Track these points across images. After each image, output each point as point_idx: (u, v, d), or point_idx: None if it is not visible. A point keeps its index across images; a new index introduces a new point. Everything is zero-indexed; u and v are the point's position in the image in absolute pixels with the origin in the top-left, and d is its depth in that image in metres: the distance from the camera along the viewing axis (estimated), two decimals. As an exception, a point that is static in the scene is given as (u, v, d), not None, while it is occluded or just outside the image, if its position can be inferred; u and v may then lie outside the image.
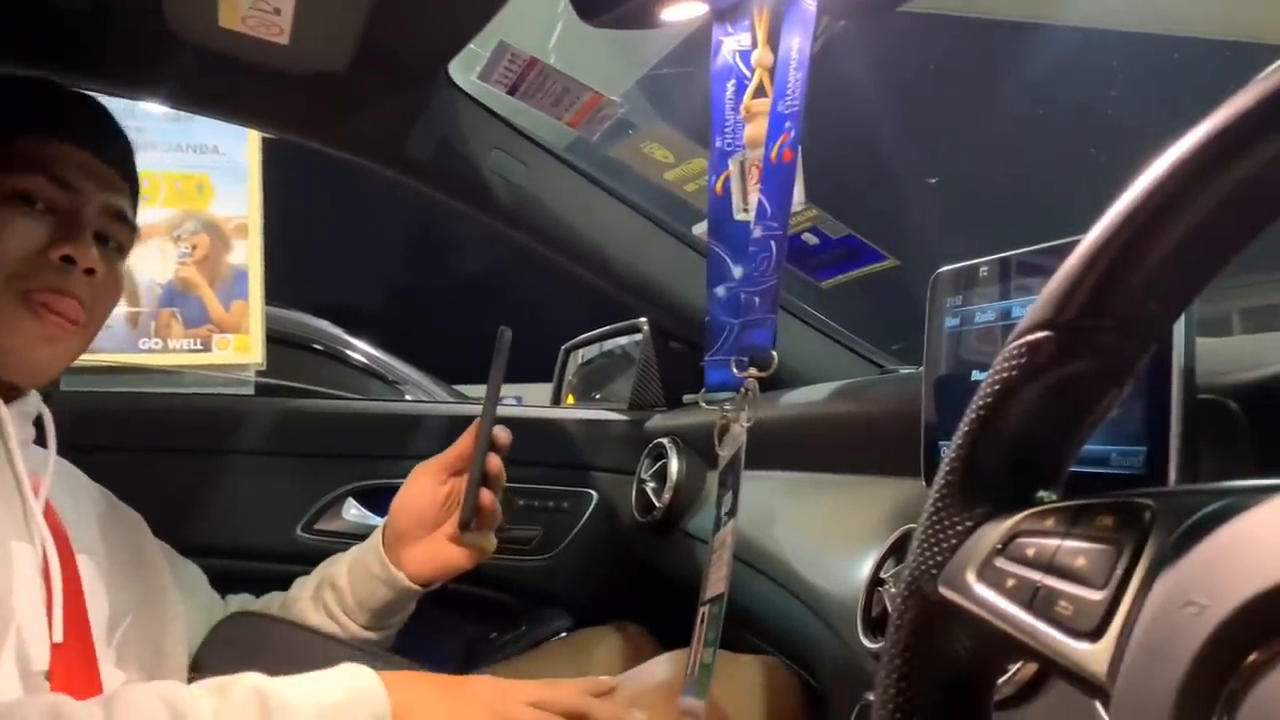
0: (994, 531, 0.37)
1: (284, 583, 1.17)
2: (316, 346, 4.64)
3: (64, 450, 0.91)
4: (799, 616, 0.95)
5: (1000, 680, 0.57)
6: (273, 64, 1.10)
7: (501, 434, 1.02)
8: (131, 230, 0.93)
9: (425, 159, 1.26)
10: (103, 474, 1.01)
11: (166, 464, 1.41)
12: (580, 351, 2.05)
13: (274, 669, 0.80)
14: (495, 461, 1.01)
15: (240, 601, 1.13)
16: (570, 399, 2.01)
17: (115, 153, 0.91)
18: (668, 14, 0.93)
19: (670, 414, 1.42)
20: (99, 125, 0.92)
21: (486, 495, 1.01)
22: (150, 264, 2.85)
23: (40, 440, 0.90)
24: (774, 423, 1.24)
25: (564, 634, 1.42)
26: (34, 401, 0.88)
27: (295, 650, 0.94)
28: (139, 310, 2.85)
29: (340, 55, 1.09)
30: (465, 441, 1.06)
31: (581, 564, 1.46)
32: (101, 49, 1.11)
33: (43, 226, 0.84)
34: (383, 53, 1.10)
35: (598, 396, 1.97)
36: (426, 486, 1.05)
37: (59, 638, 0.78)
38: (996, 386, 0.37)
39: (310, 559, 1.34)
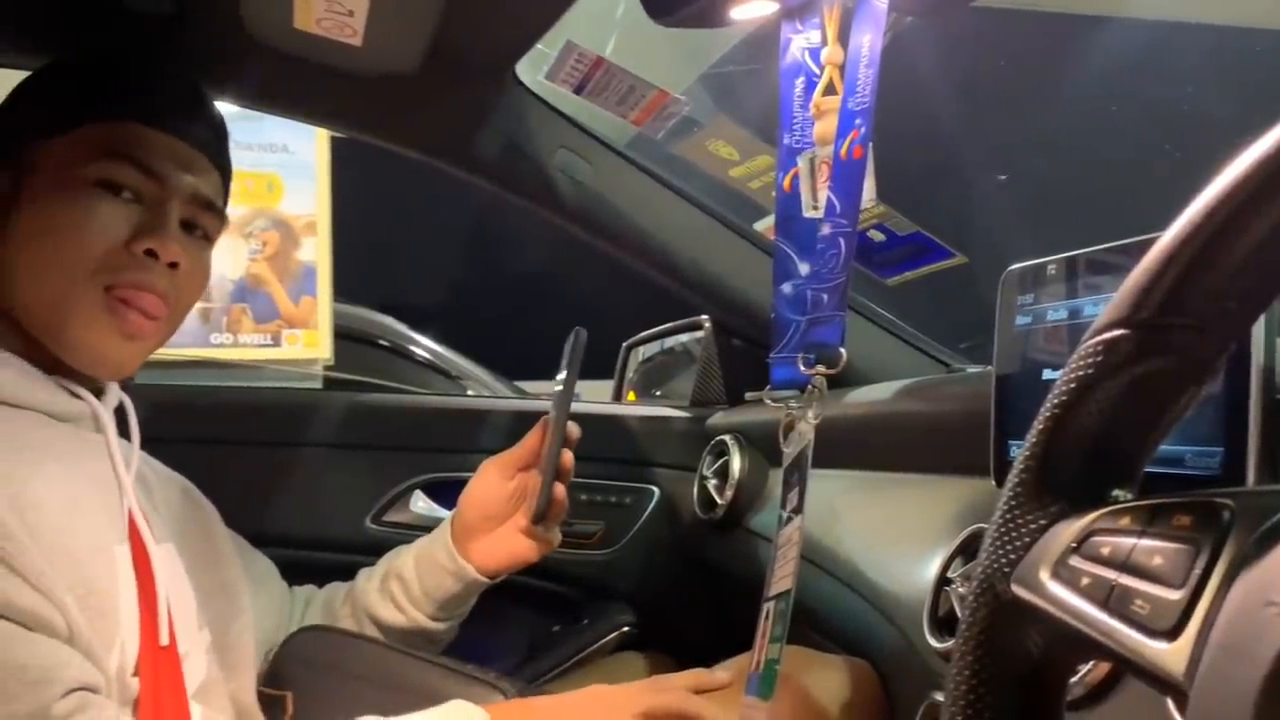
0: (1068, 530, 0.37)
1: (353, 573, 1.19)
2: (382, 342, 4.72)
3: (144, 443, 0.91)
4: (863, 615, 0.94)
5: (1071, 680, 0.56)
6: (345, 65, 1.12)
7: (573, 430, 1.04)
8: (220, 219, 0.91)
9: (493, 158, 1.27)
10: (175, 466, 1.03)
11: (238, 456, 1.44)
12: (641, 348, 2.06)
13: (353, 687, 0.81)
14: (568, 456, 1.02)
15: (306, 592, 1.15)
16: (631, 396, 2.02)
17: (206, 138, 0.89)
18: (737, 12, 0.93)
19: (732, 411, 1.42)
20: (189, 109, 0.90)
21: (559, 488, 1.02)
22: (222, 260, 2.91)
23: (121, 430, 0.90)
24: (840, 421, 1.23)
25: (626, 629, 1.43)
26: (115, 393, 0.89)
27: (372, 666, 0.95)
28: (210, 305, 2.92)
29: (411, 56, 1.11)
30: (534, 437, 1.07)
31: (643, 559, 1.46)
32: (180, 50, 1.14)
33: (127, 216, 0.82)
34: (452, 54, 1.11)
35: (658, 394, 1.98)
36: (495, 480, 1.07)
37: (164, 640, 0.79)
38: (1072, 384, 0.37)
39: (379, 550, 1.37)
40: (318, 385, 1.78)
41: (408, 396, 1.62)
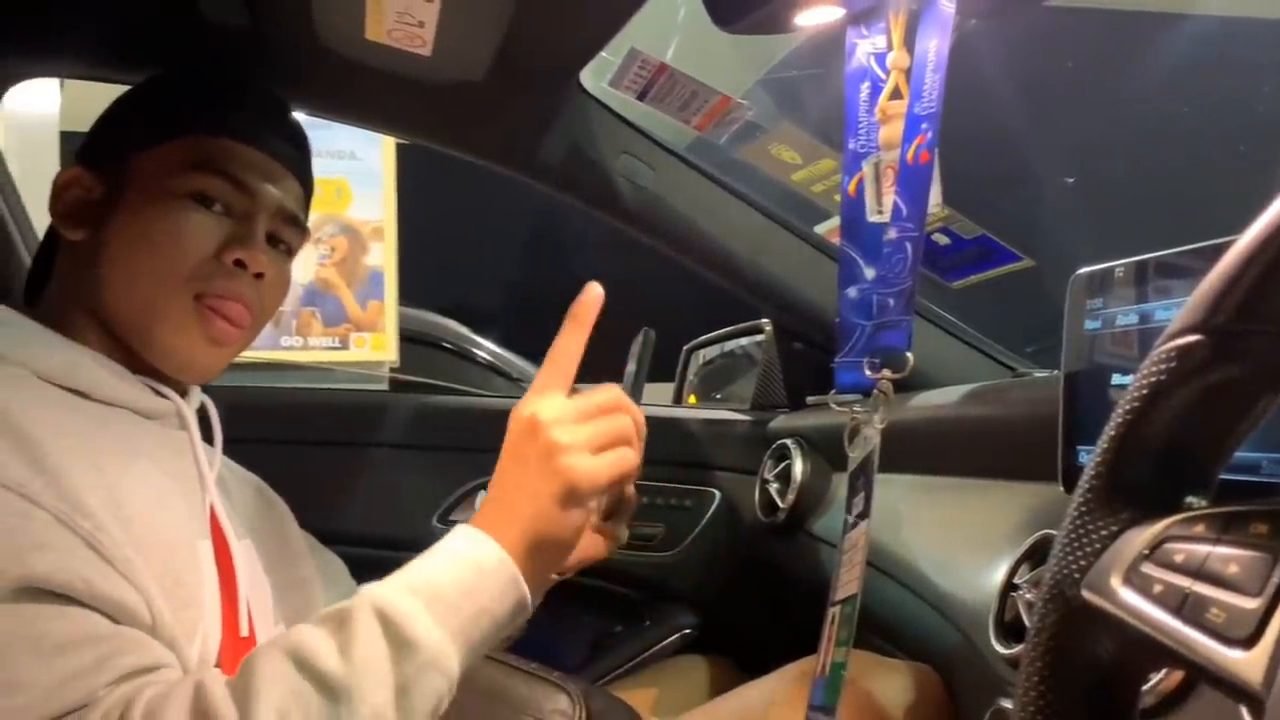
0: (1140, 536, 0.37)
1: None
2: (446, 345, 4.79)
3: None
4: (927, 620, 0.94)
5: (1143, 688, 0.55)
6: (414, 74, 1.14)
7: (641, 429, 1.04)
8: (302, 231, 0.94)
9: (557, 164, 1.29)
10: (249, 465, 1.05)
11: (308, 456, 1.48)
12: (702, 351, 2.06)
13: None
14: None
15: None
16: (692, 399, 2.02)
17: (291, 154, 0.92)
18: (803, 18, 0.93)
19: (793, 415, 1.42)
20: (276, 124, 0.93)
21: (628, 486, 1.02)
22: (294, 265, 2.99)
23: (203, 432, 0.92)
24: (905, 425, 1.23)
25: (688, 631, 1.44)
26: (197, 394, 0.92)
27: None
28: (281, 309, 2.99)
29: (478, 66, 1.13)
30: None
31: (704, 561, 1.47)
32: (256, 61, 1.17)
33: (218, 228, 0.85)
34: (518, 62, 1.13)
35: (719, 396, 1.98)
36: None
37: (244, 631, 0.81)
38: (1144, 390, 0.37)
39: (447, 549, 1.39)
40: (384, 387, 1.82)
41: (471, 399, 1.65)
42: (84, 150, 0.90)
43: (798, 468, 1.28)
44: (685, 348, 2.06)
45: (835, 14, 0.92)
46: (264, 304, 0.89)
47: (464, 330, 4.91)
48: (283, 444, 1.46)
